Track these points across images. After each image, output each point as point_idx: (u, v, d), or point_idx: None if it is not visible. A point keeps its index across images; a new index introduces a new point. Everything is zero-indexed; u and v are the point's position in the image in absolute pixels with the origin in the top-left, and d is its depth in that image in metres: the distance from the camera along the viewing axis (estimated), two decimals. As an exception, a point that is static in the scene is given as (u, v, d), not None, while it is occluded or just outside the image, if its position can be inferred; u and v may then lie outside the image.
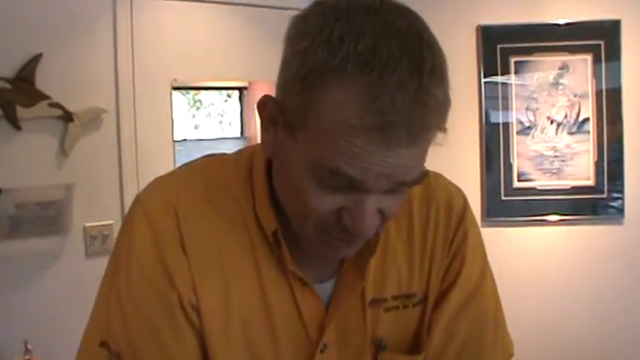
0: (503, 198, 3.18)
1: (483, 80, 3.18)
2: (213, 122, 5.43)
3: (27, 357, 2.43)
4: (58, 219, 2.65)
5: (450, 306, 1.14)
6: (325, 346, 1.07)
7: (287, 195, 0.99)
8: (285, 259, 1.03)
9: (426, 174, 0.93)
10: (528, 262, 3.22)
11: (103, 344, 1.02)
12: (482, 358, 1.18)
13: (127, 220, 1.06)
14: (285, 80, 0.91)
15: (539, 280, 3.22)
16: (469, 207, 1.19)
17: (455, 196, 1.18)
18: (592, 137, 3.14)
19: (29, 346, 2.44)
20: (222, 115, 5.33)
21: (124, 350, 1.00)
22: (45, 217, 2.62)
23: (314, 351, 1.07)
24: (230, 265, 1.03)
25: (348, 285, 1.08)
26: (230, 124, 4.77)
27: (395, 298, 1.12)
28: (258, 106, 0.97)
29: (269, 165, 1.05)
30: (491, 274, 1.21)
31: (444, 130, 0.89)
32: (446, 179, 1.21)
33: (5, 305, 2.57)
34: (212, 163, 1.12)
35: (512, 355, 1.23)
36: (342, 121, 0.84)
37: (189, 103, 5.58)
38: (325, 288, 1.09)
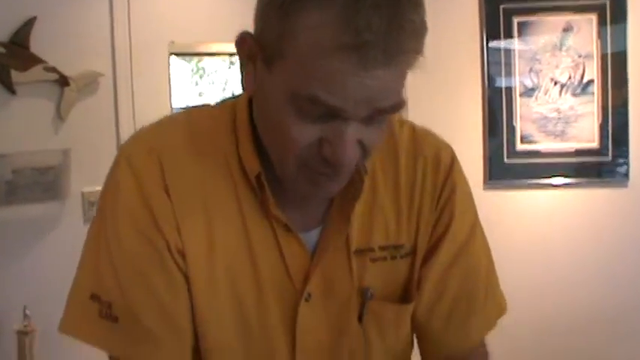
0: (506, 161, 3.13)
1: (486, 43, 3.13)
2: (217, 89, 5.41)
3: (25, 323, 2.43)
4: (56, 184, 2.64)
5: (439, 262, 1.14)
6: (310, 295, 1.07)
7: (268, 131, 0.99)
8: (269, 203, 1.03)
9: (404, 102, 0.92)
10: (531, 226, 3.18)
11: (94, 297, 1.02)
12: (474, 314, 1.18)
13: (111, 171, 1.06)
14: (262, 11, 0.92)
15: (542, 245, 3.18)
16: (457, 162, 1.19)
17: (443, 150, 1.17)
18: (596, 99, 3.08)
19: (28, 312, 2.44)
20: (225, 83, 5.30)
21: (116, 300, 1.01)
22: (42, 182, 2.60)
23: (298, 300, 1.07)
24: (214, 211, 1.03)
25: (334, 231, 1.07)
26: (233, 93, 4.75)
27: (382, 248, 1.11)
28: (236, 44, 0.97)
29: (252, 111, 1.05)
30: (482, 231, 1.21)
31: (421, 53, 0.89)
32: (434, 135, 1.21)
33: (3, 272, 2.56)
34: (196, 112, 1.13)
35: (504, 312, 1.22)
36: (319, 44, 0.85)
37: (192, 70, 5.56)
38: (311, 237, 1.08)
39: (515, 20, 3.09)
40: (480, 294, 1.18)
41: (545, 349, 3.17)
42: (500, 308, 1.22)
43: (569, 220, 3.17)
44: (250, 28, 0.95)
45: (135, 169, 1.02)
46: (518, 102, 3.11)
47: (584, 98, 3.09)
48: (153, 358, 1.02)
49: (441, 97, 3.10)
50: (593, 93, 3.09)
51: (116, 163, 1.05)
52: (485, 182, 3.11)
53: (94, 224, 1.06)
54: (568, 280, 3.18)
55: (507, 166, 3.14)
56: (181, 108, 3.27)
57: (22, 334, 2.42)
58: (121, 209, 1.02)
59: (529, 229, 3.18)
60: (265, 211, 1.04)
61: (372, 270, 1.10)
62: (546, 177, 3.13)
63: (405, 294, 1.14)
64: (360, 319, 1.11)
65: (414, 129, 1.18)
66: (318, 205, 1.09)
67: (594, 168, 3.13)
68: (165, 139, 1.06)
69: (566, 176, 3.13)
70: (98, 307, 1.01)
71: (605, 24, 3.07)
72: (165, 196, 1.01)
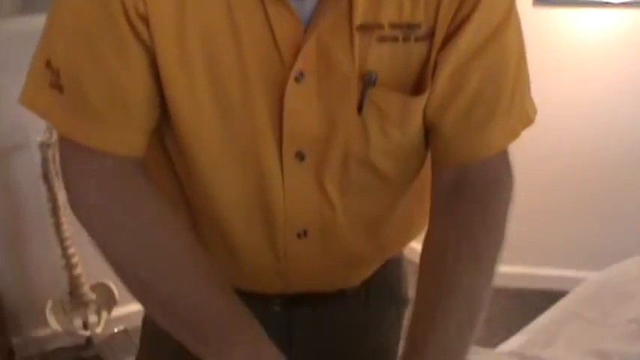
0: (558, -26, 2.87)
1: None
2: None
3: (48, 134, 2.39)
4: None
5: (460, 47, 0.97)
6: (302, 74, 0.94)
7: None
8: None
9: None
10: (585, 50, 2.93)
11: (48, 64, 0.94)
12: (496, 117, 1.02)
13: None
14: None
15: (596, 72, 2.95)
16: None
17: None
18: None
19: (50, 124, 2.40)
20: None
21: (63, 66, 0.93)
22: (60, -11, 2.48)
23: (287, 77, 0.94)
24: None
25: None
26: None
27: (394, 26, 0.95)
28: None
29: None
30: (518, 21, 1.02)
31: None
32: None
33: (20, 83, 2.49)
34: None
35: (531, 122, 1.06)
36: None
37: None
38: (306, 6, 0.93)
39: None
40: (505, 95, 1.02)
41: (591, 177, 3.08)
42: (527, 117, 1.06)
43: (628, 44, 2.91)
44: None
45: None
46: None
47: None
48: (94, 135, 0.95)
49: None
50: None
51: None
52: (534, -1, 2.88)
53: None
54: (623, 111, 2.99)
55: (560, -19, 2.87)
56: None
57: (45, 145, 2.40)
58: None
59: (582, 53, 2.93)
60: None
61: (378, 51, 0.95)
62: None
63: (418, 85, 0.99)
64: (359, 109, 0.97)
65: None
66: None
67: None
68: None
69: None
70: (50, 76, 0.93)
71: None
72: None
